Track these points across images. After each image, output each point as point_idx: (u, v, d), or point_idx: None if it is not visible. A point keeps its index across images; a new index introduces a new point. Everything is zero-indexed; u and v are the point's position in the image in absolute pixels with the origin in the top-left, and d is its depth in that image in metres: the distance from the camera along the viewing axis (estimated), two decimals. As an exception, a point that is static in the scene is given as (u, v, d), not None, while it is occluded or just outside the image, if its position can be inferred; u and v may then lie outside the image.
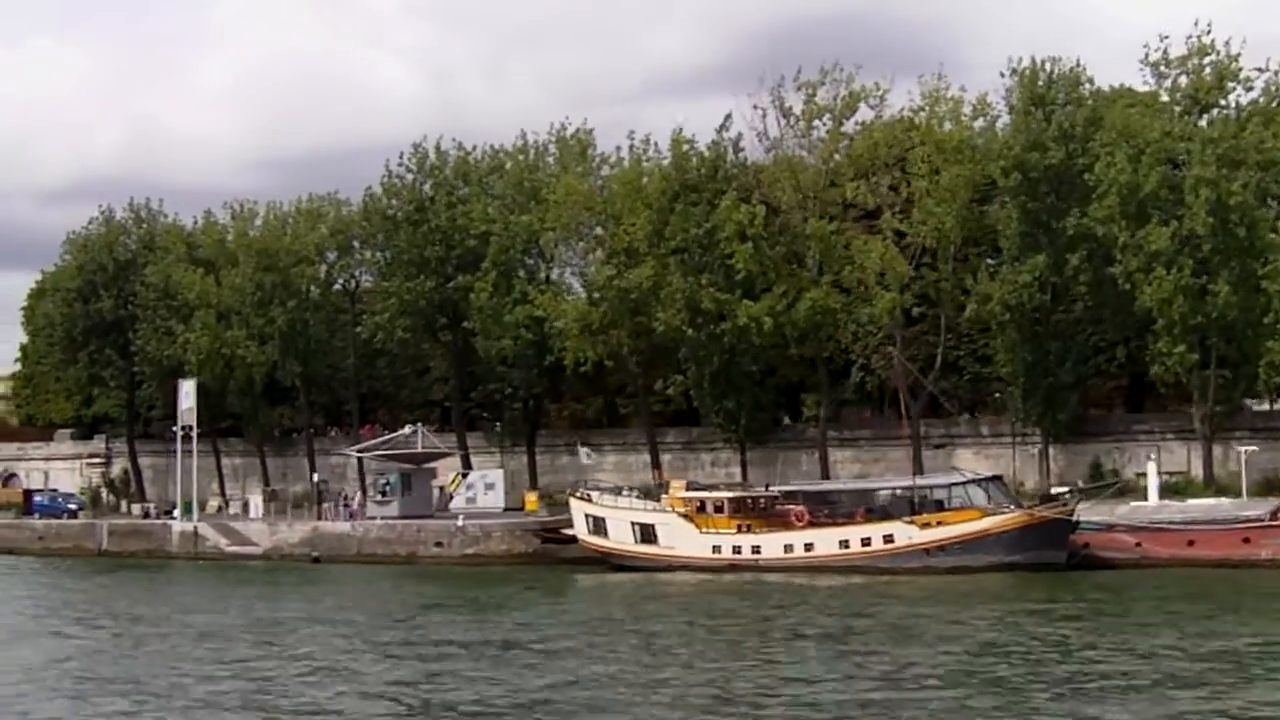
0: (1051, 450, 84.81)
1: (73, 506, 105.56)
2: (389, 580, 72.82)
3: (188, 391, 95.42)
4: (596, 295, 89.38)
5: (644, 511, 74.29)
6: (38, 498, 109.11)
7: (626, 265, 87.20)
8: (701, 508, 72.75)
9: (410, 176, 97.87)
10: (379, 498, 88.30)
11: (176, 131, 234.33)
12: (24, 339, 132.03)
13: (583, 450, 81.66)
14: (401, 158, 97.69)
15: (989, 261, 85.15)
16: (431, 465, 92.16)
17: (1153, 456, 76.17)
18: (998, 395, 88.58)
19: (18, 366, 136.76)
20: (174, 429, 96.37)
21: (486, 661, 42.79)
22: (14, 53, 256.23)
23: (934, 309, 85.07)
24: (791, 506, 72.56)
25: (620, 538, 73.72)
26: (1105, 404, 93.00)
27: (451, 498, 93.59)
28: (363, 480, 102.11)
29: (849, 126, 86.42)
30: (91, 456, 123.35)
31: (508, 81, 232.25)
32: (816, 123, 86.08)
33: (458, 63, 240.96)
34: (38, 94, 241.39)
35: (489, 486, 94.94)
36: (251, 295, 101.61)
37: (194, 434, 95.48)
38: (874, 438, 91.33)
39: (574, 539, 77.00)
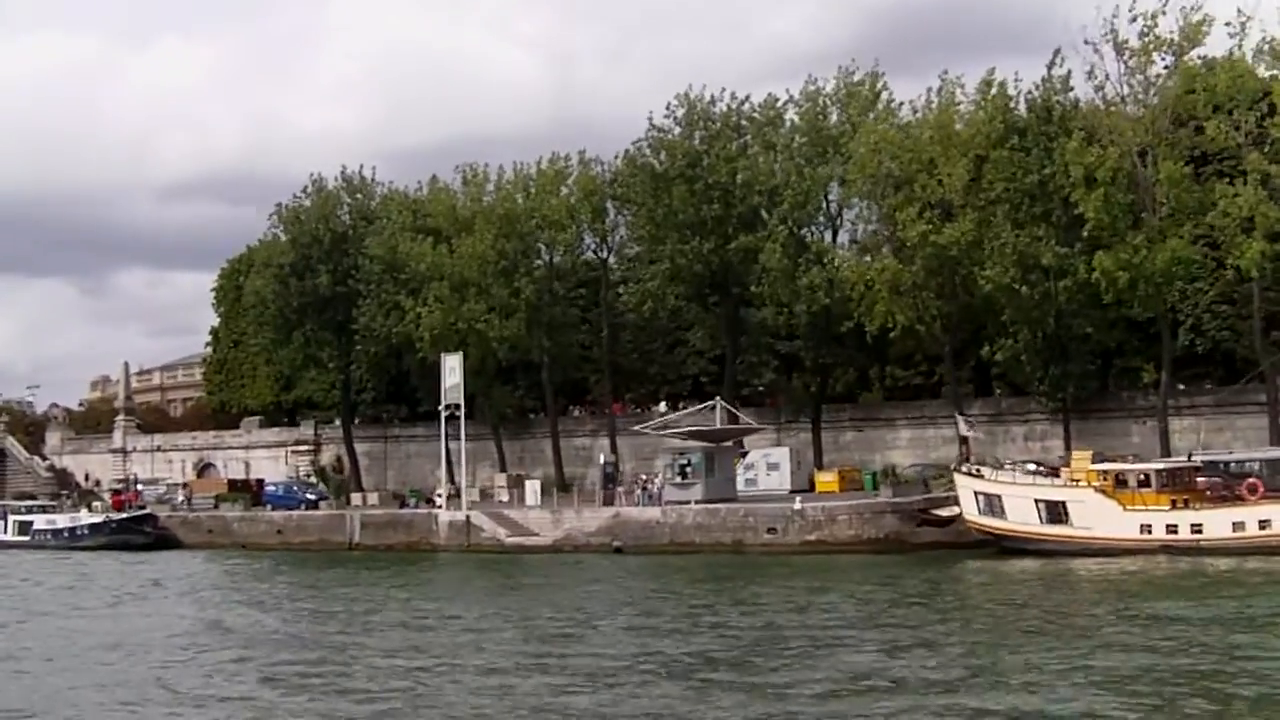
0: None
1: (312, 496, 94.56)
2: (795, 574, 60.23)
3: (453, 367, 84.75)
4: (907, 253, 77.82)
5: (1052, 488, 63.02)
6: (270, 488, 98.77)
7: (941, 219, 76.05)
8: (1122, 481, 61.33)
9: (677, 130, 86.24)
10: (678, 480, 76.83)
11: (297, 125, 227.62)
12: (215, 323, 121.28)
13: (961, 421, 70.19)
14: (668, 108, 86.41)
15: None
16: (748, 440, 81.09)
17: None
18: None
19: (208, 351, 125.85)
20: (439, 408, 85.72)
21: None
22: (139, 51, 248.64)
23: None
24: (1222, 480, 62.02)
25: (1021, 518, 62.68)
26: None
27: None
28: (615, 462, 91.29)
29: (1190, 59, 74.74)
30: (298, 443, 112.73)
31: (629, 68, 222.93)
32: (1155, 56, 74.06)
33: (579, 50, 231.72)
34: (160, 90, 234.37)
35: (772, 467, 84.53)
36: (494, 265, 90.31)
37: (461, 414, 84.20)
38: (1217, 405, 79.75)
39: (951, 520, 65.97)
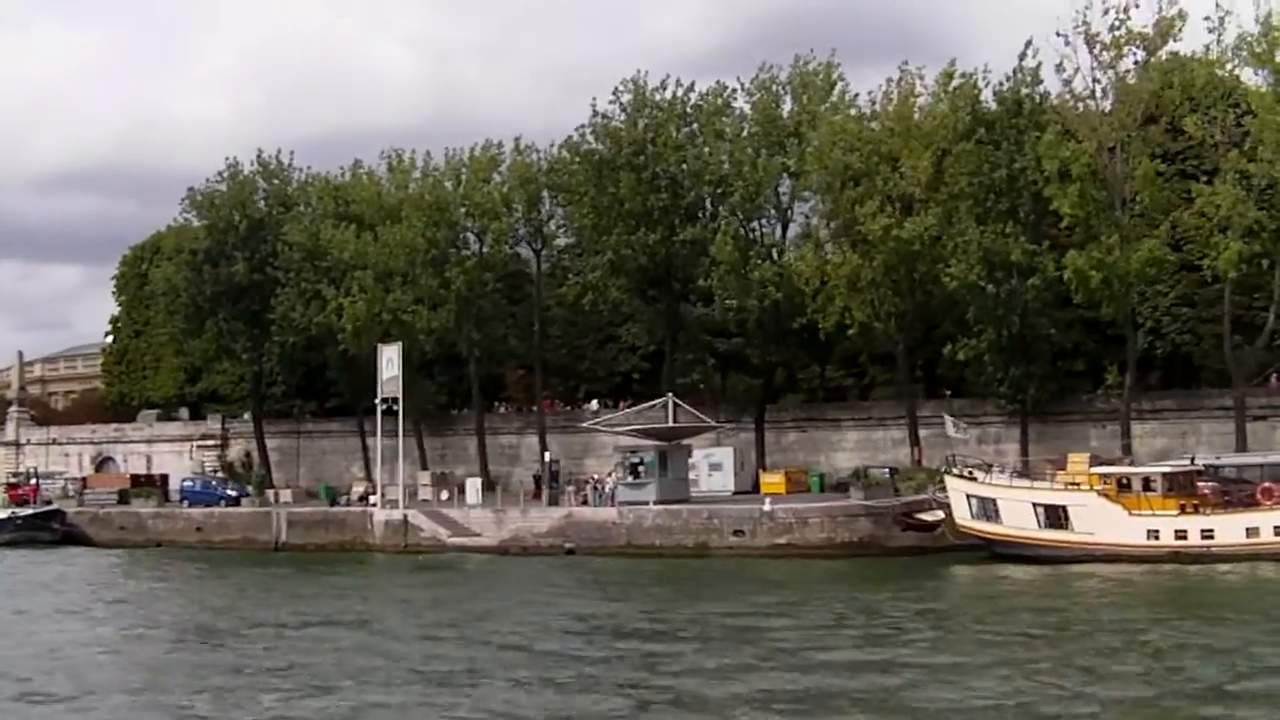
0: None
1: (233, 493, 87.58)
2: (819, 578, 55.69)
3: (390, 358, 78.84)
4: (864, 248, 73.29)
5: (1051, 491, 58.53)
6: (187, 483, 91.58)
7: (902, 213, 71.80)
8: (1125, 485, 57.05)
9: (623, 116, 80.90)
10: (630, 479, 71.51)
11: (175, 116, 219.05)
12: (115, 311, 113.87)
13: (949, 421, 65.50)
14: (615, 94, 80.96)
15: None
16: (686, 442, 75.38)
17: None
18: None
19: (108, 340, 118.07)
20: (375, 402, 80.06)
21: None
22: (13, 38, 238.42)
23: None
24: (1219, 484, 58.36)
25: (1017, 522, 58.30)
26: None
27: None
28: (543, 461, 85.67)
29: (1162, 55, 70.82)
30: (204, 438, 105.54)
31: (510, 66, 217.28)
32: (1127, 51, 70.05)
33: (460, 47, 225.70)
34: (35, 79, 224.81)
35: (715, 467, 79.58)
36: (423, 254, 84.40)
37: (399, 408, 78.34)
38: (1180, 409, 75.90)
39: (936, 525, 61.43)
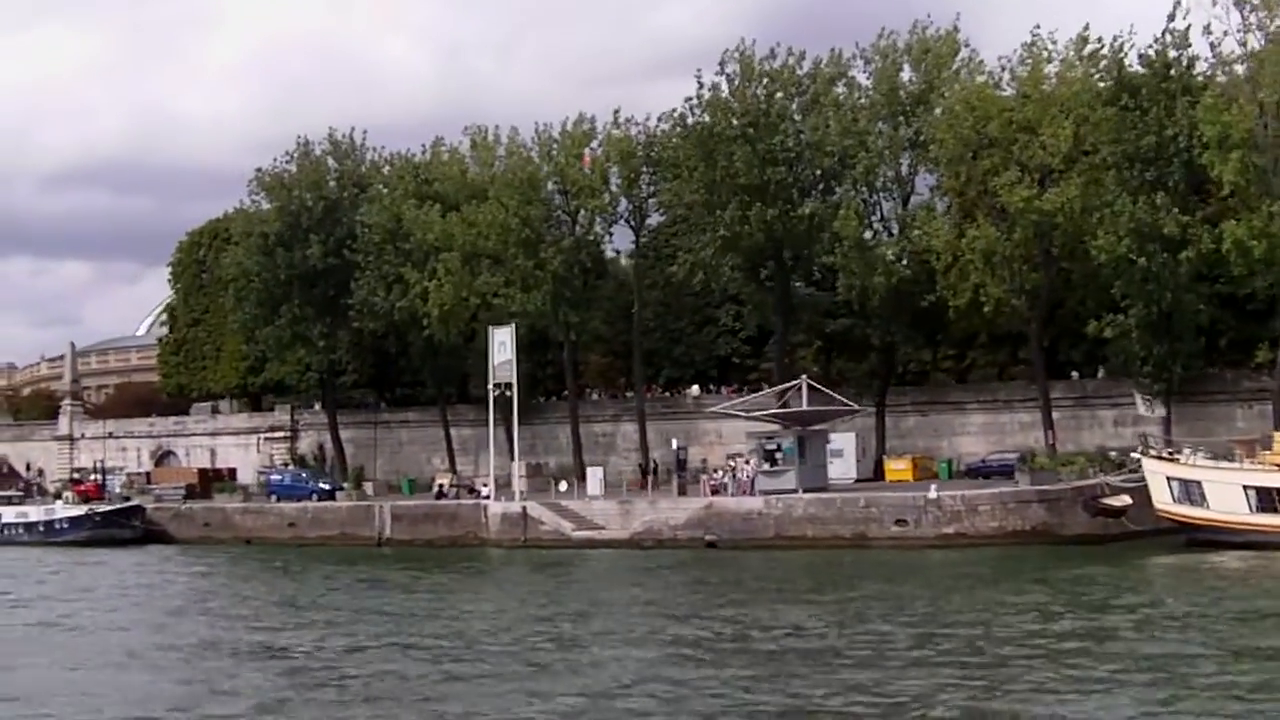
0: None
1: (325, 486, 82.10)
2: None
3: (503, 342, 73.74)
4: (995, 220, 68.51)
5: (1265, 473, 53.85)
6: (275, 476, 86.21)
7: (1041, 184, 67.07)
8: (1343, 467, 52.68)
9: (730, 86, 75.68)
10: (767, 467, 66.50)
11: (182, 113, 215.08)
12: (171, 299, 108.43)
13: (1140, 399, 60.78)
14: (721, 65, 75.66)
15: None
16: (822, 427, 70.19)
17: None
18: None
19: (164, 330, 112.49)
20: (489, 388, 75.13)
21: None
22: (21, 36, 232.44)
23: None
24: None
25: (1227, 506, 53.80)
26: None
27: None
28: (645, 449, 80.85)
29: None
30: (272, 429, 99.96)
31: (517, 60, 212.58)
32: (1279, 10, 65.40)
33: (467, 42, 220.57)
34: (42, 77, 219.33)
35: (835, 454, 73.89)
36: (517, 233, 78.98)
37: (514, 393, 73.18)
38: (1334, 386, 71.12)
39: (1124, 510, 56.84)
